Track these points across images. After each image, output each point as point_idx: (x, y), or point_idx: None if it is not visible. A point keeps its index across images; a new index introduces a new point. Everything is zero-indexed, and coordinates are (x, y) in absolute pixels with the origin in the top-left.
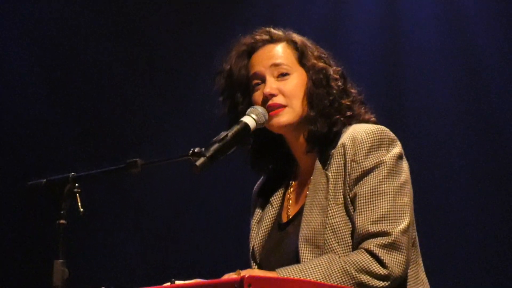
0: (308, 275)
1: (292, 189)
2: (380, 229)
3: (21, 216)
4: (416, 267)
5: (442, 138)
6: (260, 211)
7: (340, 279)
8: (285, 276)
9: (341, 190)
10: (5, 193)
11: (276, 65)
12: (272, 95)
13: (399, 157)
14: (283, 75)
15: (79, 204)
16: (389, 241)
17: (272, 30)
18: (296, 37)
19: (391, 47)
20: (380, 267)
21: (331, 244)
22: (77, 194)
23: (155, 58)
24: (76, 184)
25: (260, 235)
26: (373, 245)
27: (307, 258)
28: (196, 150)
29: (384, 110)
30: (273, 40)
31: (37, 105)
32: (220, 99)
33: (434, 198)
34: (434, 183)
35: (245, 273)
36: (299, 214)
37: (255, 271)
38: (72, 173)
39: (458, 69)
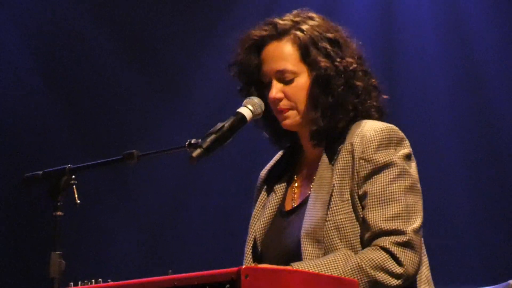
0: (324, 271)
1: (297, 179)
2: (394, 227)
3: (18, 208)
4: (423, 266)
5: (439, 138)
6: (264, 197)
7: (354, 275)
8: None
9: (347, 187)
10: (1, 185)
11: (280, 71)
12: (278, 99)
13: (408, 157)
14: (288, 81)
15: (76, 196)
16: (404, 239)
17: (278, 21)
18: (304, 25)
19: (387, 44)
20: (396, 265)
21: (333, 240)
22: (74, 186)
23: (151, 51)
24: (73, 176)
25: (262, 223)
26: (388, 243)
27: (308, 252)
28: (192, 141)
29: None
30: (279, 34)
31: (33, 97)
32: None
33: (431, 197)
34: (431, 182)
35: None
36: (303, 204)
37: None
38: (69, 165)
39: (455, 69)
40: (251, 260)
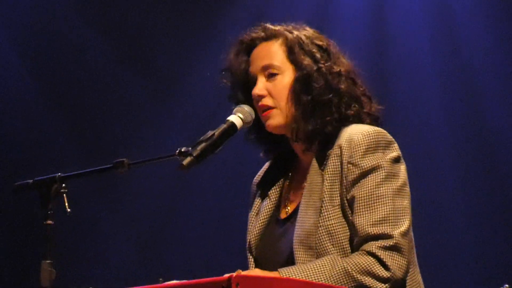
0: (310, 275)
1: (290, 184)
2: (381, 231)
3: (8, 217)
4: (413, 270)
5: (432, 140)
6: (258, 203)
7: (341, 280)
8: (287, 276)
9: (337, 192)
10: None
11: (265, 66)
12: (261, 96)
13: (396, 160)
14: (272, 76)
15: (66, 204)
16: (391, 243)
17: (268, 26)
18: (294, 31)
19: (379, 46)
20: (383, 269)
21: (325, 246)
22: (64, 194)
23: (145, 58)
24: (63, 184)
25: (256, 229)
26: (375, 247)
27: (301, 259)
28: (183, 150)
29: None
30: (268, 37)
31: (26, 104)
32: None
33: (425, 199)
34: (425, 184)
35: (246, 273)
36: (296, 211)
37: (255, 271)
38: (59, 174)
39: (447, 70)
40: (254, 266)
